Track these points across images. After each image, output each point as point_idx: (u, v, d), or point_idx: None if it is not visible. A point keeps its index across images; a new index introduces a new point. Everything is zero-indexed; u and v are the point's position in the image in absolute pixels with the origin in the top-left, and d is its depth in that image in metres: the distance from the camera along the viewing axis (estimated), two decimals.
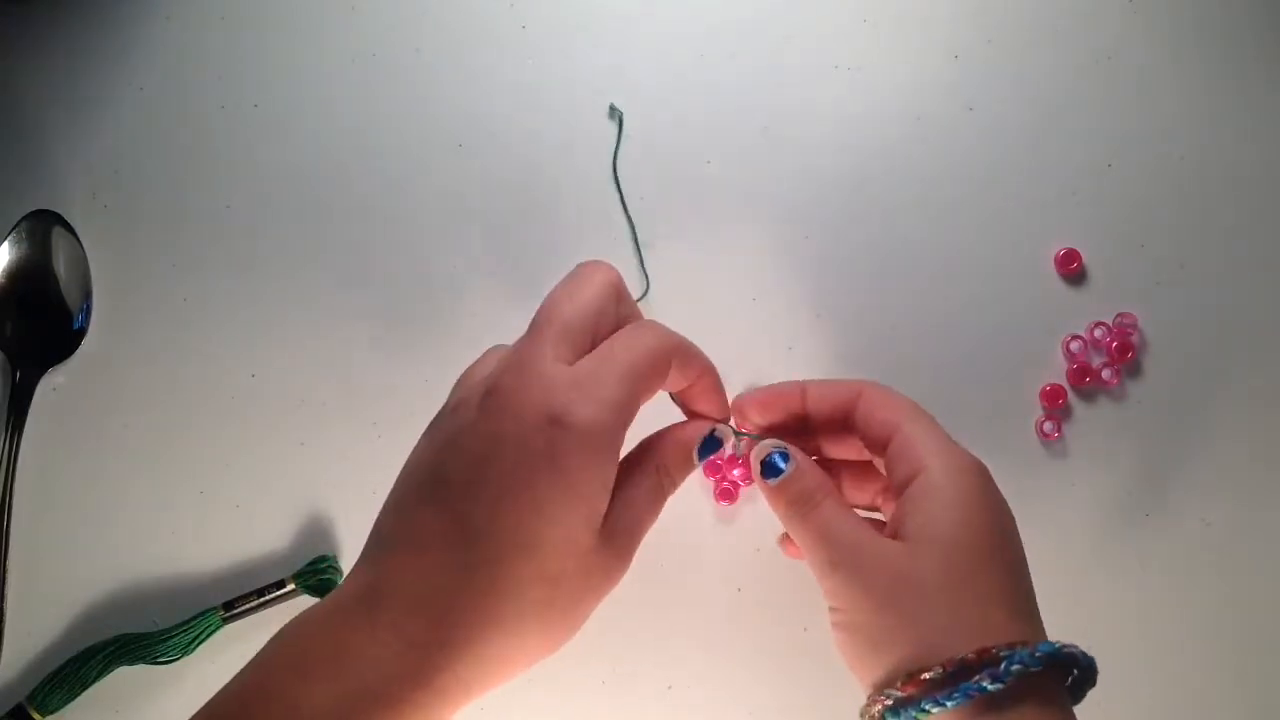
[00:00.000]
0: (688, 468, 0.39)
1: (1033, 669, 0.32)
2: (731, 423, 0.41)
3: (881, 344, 0.49)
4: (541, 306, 0.36)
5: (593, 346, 0.35)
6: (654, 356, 0.36)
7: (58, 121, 0.50)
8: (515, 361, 0.34)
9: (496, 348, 0.38)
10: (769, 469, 0.39)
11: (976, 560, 0.35)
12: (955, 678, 0.33)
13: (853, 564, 0.36)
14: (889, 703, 0.34)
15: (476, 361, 0.38)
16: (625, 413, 0.34)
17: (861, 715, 0.36)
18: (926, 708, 0.33)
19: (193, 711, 0.32)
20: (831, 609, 0.37)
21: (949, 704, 0.32)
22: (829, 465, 0.42)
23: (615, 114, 0.48)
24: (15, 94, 0.50)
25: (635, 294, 0.49)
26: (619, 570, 0.36)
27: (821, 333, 0.49)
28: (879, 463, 0.40)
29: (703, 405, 0.39)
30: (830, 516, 0.37)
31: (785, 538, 0.44)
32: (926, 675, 0.33)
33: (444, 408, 0.37)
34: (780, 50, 0.51)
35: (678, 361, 0.37)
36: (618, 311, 0.37)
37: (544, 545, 0.33)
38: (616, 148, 0.49)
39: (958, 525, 0.35)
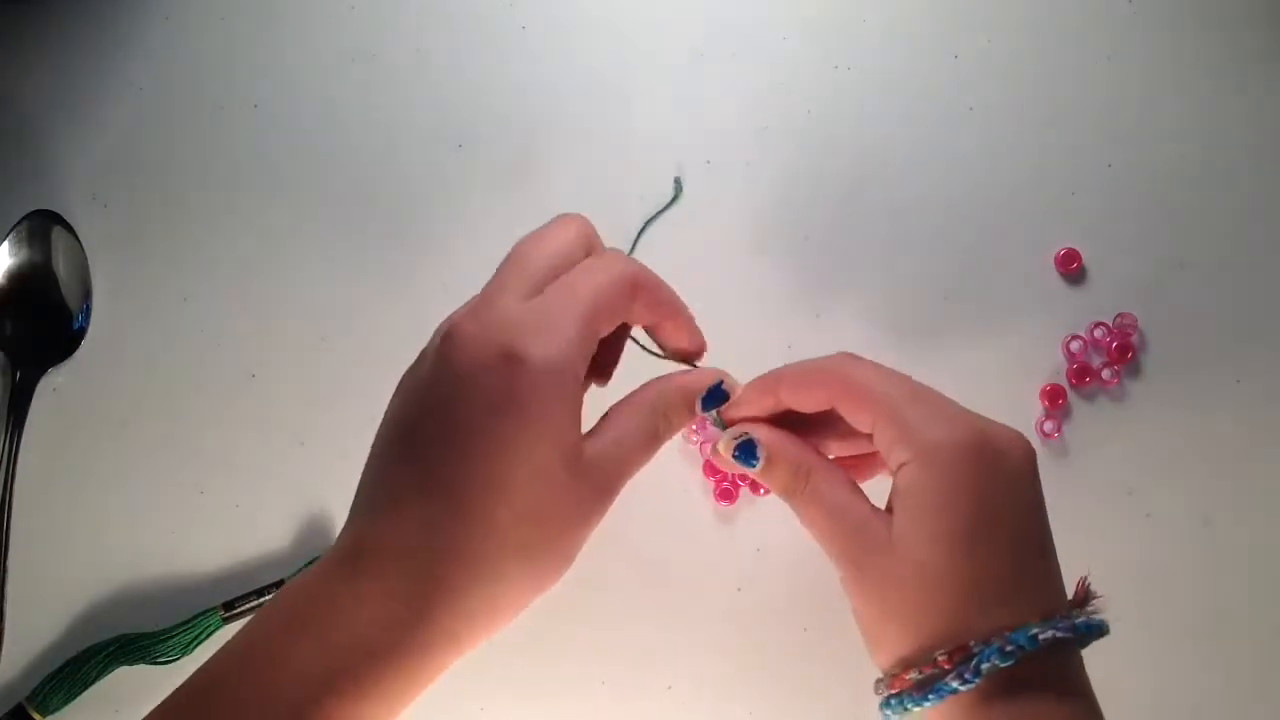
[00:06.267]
0: (686, 415, 0.38)
1: (1003, 665, 0.32)
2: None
3: (881, 344, 0.49)
4: (508, 252, 0.36)
5: None
6: (614, 284, 0.35)
7: (58, 121, 0.50)
8: (474, 304, 0.35)
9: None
10: (742, 456, 0.38)
11: (959, 553, 0.34)
12: (934, 678, 0.33)
13: (851, 560, 0.36)
14: (881, 696, 0.35)
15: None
16: (584, 344, 0.34)
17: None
18: (909, 706, 0.34)
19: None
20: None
21: (926, 704, 0.33)
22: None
23: (678, 187, 0.48)
24: (15, 94, 0.50)
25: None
26: (600, 505, 0.35)
27: (821, 333, 0.49)
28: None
29: (680, 341, 0.39)
30: (824, 495, 0.37)
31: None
32: (909, 675, 0.34)
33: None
34: (780, 50, 0.51)
35: (642, 293, 0.36)
36: (586, 257, 0.36)
37: (514, 485, 0.33)
38: (660, 213, 0.49)
39: (937, 519, 0.34)
